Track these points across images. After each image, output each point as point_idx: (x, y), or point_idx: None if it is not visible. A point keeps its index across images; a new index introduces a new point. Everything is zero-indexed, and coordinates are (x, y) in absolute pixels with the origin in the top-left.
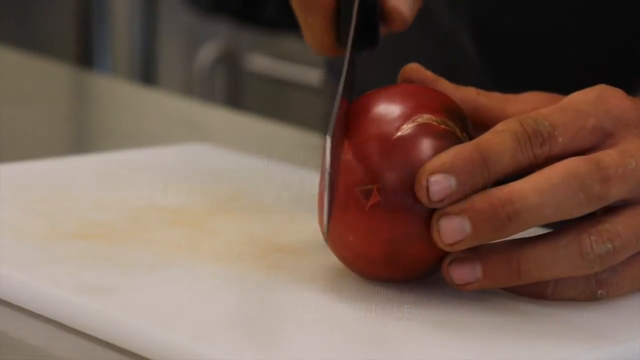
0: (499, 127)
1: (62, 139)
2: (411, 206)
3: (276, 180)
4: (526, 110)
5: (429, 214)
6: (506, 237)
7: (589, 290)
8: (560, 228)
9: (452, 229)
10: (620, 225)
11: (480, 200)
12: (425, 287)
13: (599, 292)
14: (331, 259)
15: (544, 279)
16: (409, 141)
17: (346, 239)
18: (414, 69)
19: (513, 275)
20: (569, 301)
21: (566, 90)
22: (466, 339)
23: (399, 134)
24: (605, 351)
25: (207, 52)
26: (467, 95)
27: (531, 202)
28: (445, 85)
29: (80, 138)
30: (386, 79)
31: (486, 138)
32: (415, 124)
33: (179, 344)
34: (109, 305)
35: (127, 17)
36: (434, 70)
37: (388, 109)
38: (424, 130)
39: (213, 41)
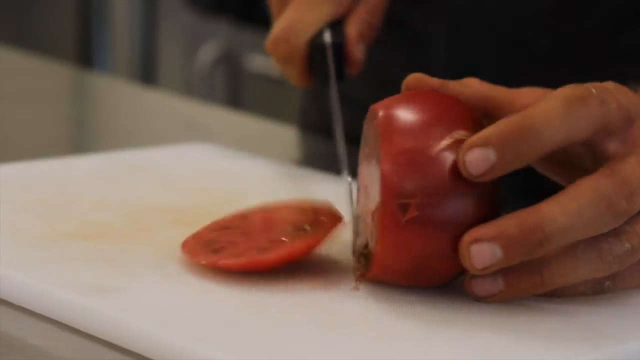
0: (548, 95)
1: (62, 139)
2: (445, 223)
3: (276, 180)
4: (532, 104)
5: (461, 231)
6: (536, 257)
7: (597, 283)
8: None
9: (483, 255)
10: (637, 225)
11: (511, 227)
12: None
13: (606, 283)
14: (331, 259)
15: (566, 285)
16: (448, 158)
17: None
18: (420, 79)
19: (536, 284)
20: (569, 301)
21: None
22: (466, 338)
23: (439, 149)
24: (606, 351)
25: (207, 52)
26: (471, 88)
27: (560, 225)
28: (454, 87)
29: (80, 138)
30: (358, 79)
31: (532, 107)
32: (452, 140)
33: (179, 344)
34: (109, 305)
35: (127, 17)
36: (402, 70)
37: (423, 121)
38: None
39: (213, 41)
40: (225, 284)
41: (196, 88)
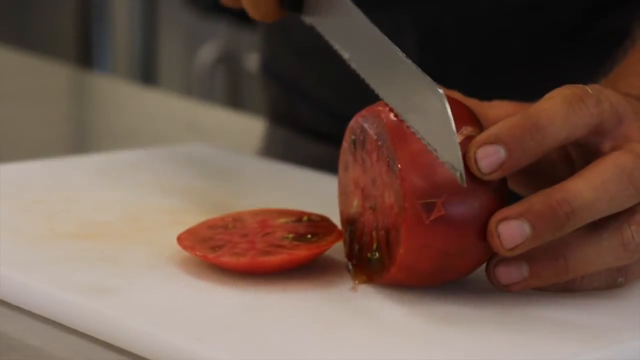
0: (548, 95)
1: (62, 139)
2: (468, 220)
3: (276, 180)
4: (504, 116)
5: (483, 226)
6: (563, 234)
7: (611, 279)
8: (600, 221)
9: (512, 233)
10: None
11: (538, 202)
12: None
13: (619, 279)
14: (330, 259)
15: (589, 273)
16: (463, 154)
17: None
18: None
19: (560, 271)
20: (568, 302)
21: (506, 91)
22: (465, 338)
23: None
24: (605, 351)
25: (207, 52)
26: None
27: (586, 199)
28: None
29: (80, 138)
30: (327, 80)
31: (535, 105)
32: (462, 136)
33: (178, 344)
34: (108, 305)
35: (127, 17)
36: None
37: None
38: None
39: (213, 41)
40: (224, 284)
41: (196, 88)
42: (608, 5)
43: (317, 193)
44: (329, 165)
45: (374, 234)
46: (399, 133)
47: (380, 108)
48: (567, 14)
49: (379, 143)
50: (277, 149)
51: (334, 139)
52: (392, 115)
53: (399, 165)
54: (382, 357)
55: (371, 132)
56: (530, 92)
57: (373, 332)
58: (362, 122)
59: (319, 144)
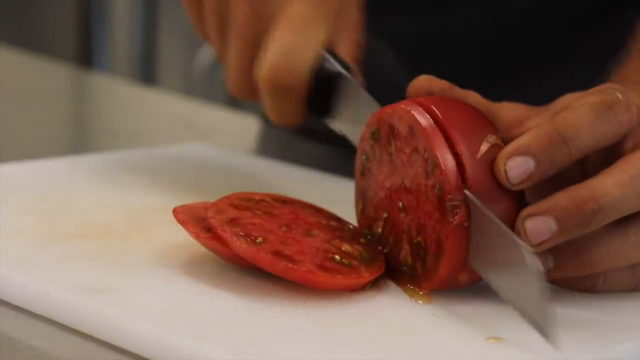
0: (576, 103)
1: (62, 139)
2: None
3: (276, 179)
4: (516, 117)
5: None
6: (589, 231)
7: (633, 282)
8: (627, 217)
9: (538, 229)
10: None
11: (564, 199)
12: None
13: None
14: None
15: (613, 268)
16: (491, 161)
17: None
18: (430, 80)
19: (584, 264)
20: (568, 302)
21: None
22: (466, 337)
23: (481, 152)
24: (605, 351)
25: (207, 52)
26: (472, 99)
27: (613, 196)
28: (458, 92)
29: (80, 138)
30: None
31: (562, 115)
32: (489, 144)
33: (179, 344)
34: (109, 305)
35: (127, 17)
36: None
37: (463, 124)
38: (497, 151)
39: None
40: (225, 284)
41: (196, 88)
42: (610, 7)
43: (317, 193)
44: (326, 164)
45: (404, 236)
46: (436, 134)
47: (411, 106)
48: (575, 10)
49: (413, 142)
50: (272, 149)
51: (330, 139)
52: (431, 114)
53: (442, 167)
54: (383, 358)
55: (402, 129)
56: (543, 92)
57: (374, 333)
58: (388, 118)
59: (316, 143)
